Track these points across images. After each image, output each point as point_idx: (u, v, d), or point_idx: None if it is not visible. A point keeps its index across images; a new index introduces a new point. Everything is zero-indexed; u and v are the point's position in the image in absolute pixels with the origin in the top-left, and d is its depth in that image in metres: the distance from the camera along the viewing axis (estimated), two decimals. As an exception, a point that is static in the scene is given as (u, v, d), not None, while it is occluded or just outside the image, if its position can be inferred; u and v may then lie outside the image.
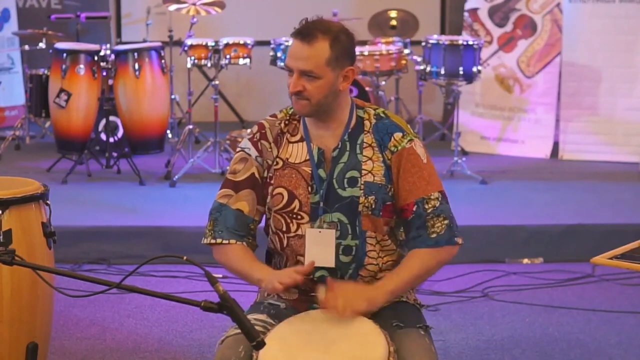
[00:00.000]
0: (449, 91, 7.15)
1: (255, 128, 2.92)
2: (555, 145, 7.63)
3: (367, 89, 7.20)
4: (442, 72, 6.86)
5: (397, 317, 2.78)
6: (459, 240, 2.84)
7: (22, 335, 3.41)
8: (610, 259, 2.88)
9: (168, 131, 7.57)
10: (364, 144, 2.84)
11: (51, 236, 3.52)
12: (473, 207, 5.98)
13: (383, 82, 7.68)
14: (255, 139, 2.89)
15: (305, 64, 2.74)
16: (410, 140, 2.84)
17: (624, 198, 6.36)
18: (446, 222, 2.82)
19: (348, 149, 2.84)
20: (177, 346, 4.32)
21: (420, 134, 7.75)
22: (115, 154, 6.79)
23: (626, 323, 4.61)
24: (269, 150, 2.87)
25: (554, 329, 4.55)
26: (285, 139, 2.88)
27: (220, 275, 5.04)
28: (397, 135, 2.84)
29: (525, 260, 5.58)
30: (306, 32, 2.75)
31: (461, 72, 6.82)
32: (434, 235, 2.80)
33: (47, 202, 3.54)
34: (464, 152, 7.48)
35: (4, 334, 3.39)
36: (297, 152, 2.87)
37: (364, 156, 2.84)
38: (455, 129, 7.15)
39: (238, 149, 2.92)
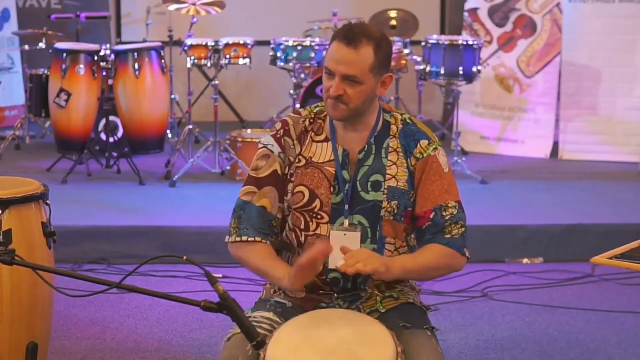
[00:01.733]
0: (449, 91, 7.14)
1: (279, 125, 2.91)
2: (555, 145, 7.63)
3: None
4: (442, 72, 6.86)
5: (404, 318, 2.79)
6: (467, 253, 2.85)
7: (22, 335, 3.42)
8: (610, 259, 2.88)
9: (168, 131, 7.57)
10: (390, 148, 2.84)
11: (51, 236, 3.52)
12: (473, 207, 5.94)
13: (383, 82, 7.67)
14: (278, 136, 2.88)
15: (350, 69, 2.73)
16: (435, 148, 2.85)
17: (624, 198, 6.36)
18: (462, 230, 2.83)
19: (373, 152, 2.84)
20: (177, 346, 4.32)
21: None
22: (115, 154, 6.79)
23: (626, 323, 4.61)
24: (292, 147, 2.87)
25: (554, 329, 4.55)
26: (309, 137, 2.88)
27: (220, 275, 5.06)
28: (424, 142, 2.84)
29: (525, 260, 5.58)
30: (352, 36, 2.73)
31: (461, 72, 6.81)
32: (448, 236, 2.81)
33: (47, 202, 3.54)
34: (464, 152, 7.48)
35: (4, 334, 3.38)
36: (321, 152, 2.86)
37: (389, 161, 2.83)
38: (455, 129, 7.16)
39: (261, 146, 2.91)
